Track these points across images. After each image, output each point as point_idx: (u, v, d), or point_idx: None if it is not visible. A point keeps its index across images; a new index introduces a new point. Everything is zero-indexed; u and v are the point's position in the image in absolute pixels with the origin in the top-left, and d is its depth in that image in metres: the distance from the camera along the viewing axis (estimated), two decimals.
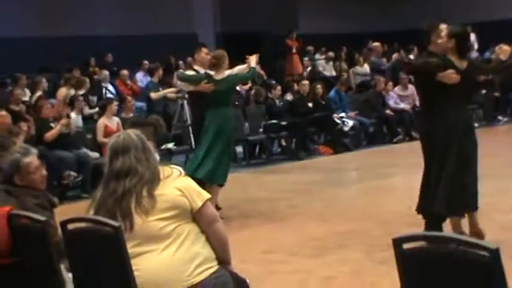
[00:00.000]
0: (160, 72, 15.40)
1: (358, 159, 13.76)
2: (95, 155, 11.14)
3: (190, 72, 9.13)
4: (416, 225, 7.28)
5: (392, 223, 7.66)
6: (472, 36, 22.98)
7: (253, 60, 9.01)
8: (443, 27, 6.74)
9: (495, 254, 2.84)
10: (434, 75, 6.33)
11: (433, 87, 6.40)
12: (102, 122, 11.36)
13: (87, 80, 14.62)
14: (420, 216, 6.74)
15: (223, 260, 3.77)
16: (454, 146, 6.41)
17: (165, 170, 3.74)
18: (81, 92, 13.78)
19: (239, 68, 9.14)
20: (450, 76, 6.34)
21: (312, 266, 6.45)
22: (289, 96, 15.18)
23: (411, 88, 16.37)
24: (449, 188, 6.38)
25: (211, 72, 8.77)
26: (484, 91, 18.05)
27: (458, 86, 6.38)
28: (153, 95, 14.50)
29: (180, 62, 18.27)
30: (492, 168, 10.84)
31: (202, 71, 8.97)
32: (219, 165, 8.63)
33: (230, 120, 8.85)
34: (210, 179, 8.51)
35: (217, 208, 8.34)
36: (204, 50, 9.31)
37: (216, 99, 8.68)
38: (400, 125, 15.68)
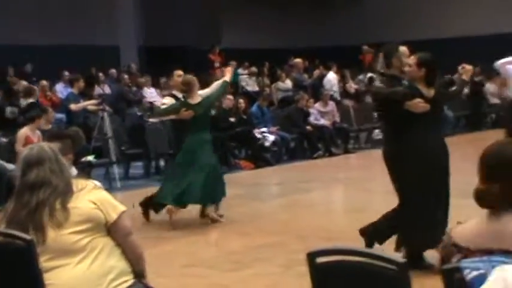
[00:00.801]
0: (81, 83, 15.20)
1: (278, 174, 13.88)
2: (11, 166, 10.90)
3: (164, 104, 9.28)
4: (333, 239, 7.41)
5: (311, 237, 7.75)
6: None
7: (228, 72, 9.39)
8: (403, 49, 6.67)
9: (403, 267, 2.92)
10: (402, 104, 6.21)
11: (402, 115, 6.25)
12: (24, 132, 11.11)
13: None
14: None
15: (138, 273, 3.75)
16: (439, 173, 6.28)
17: (79, 183, 3.70)
18: None
19: (212, 87, 9.30)
20: (418, 105, 6.20)
21: (230, 280, 6.46)
22: (212, 111, 15.18)
23: (331, 104, 16.65)
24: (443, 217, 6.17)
25: (187, 99, 8.93)
26: None
27: (428, 114, 6.24)
28: (73, 107, 14.29)
29: (100, 74, 18.10)
30: None
31: (180, 95, 9.13)
32: (212, 184, 8.78)
33: (209, 142, 9.05)
34: (209, 199, 8.87)
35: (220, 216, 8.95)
36: (177, 73, 9.45)
37: (195, 123, 8.82)
38: (321, 140, 15.89)
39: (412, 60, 6.47)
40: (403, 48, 6.71)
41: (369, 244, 6.56)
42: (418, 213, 6.21)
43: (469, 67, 6.79)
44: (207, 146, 8.91)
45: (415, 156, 6.25)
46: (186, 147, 8.85)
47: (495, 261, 2.56)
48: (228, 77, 9.30)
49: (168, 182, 9.00)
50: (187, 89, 8.94)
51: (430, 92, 6.37)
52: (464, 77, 6.75)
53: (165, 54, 21.56)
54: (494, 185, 2.72)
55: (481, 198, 2.74)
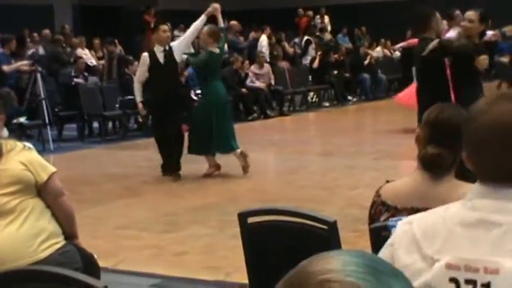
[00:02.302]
0: (13, 44, 14.83)
1: None
2: None
3: (197, 57, 9.88)
4: (267, 201, 7.50)
5: (245, 199, 7.81)
6: (326, 19, 23.67)
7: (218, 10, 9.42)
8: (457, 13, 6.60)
9: (333, 226, 2.99)
10: (471, 58, 6.12)
11: (463, 72, 6.17)
12: None
13: None
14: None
15: (70, 234, 3.74)
16: None
17: (8, 144, 3.63)
18: None
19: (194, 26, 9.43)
20: (485, 61, 6.14)
21: (164, 241, 6.49)
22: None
23: (267, 67, 16.68)
24: None
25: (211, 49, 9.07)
26: (335, 72, 18.68)
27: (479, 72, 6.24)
28: (6, 68, 13.98)
29: (35, 34, 17.71)
30: (340, 147, 11.27)
31: (160, 49, 9.10)
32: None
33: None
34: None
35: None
36: (163, 27, 9.36)
37: (216, 71, 9.30)
38: (256, 103, 15.93)
39: (473, 15, 6.38)
40: (438, 15, 6.82)
41: None
42: None
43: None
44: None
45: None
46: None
47: None
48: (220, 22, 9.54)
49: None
50: (214, 39, 9.09)
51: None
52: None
53: (99, 14, 21.21)
54: (445, 150, 2.74)
55: (435, 162, 2.76)
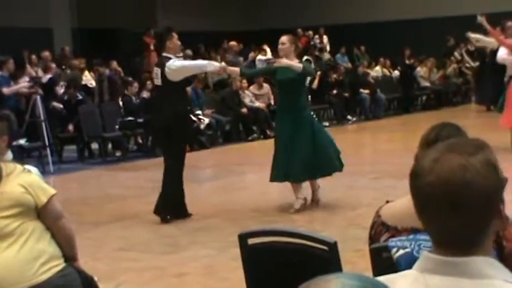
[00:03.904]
0: (10, 65, 14.84)
1: (213, 156, 13.90)
2: None
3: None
4: (267, 222, 7.49)
5: (245, 220, 7.80)
6: (325, 39, 23.75)
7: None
8: None
9: (333, 247, 2.98)
10: None
11: None
12: None
13: None
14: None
15: (70, 257, 3.73)
16: None
17: (7, 167, 3.64)
18: None
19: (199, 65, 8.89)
20: None
21: (165, 262, 6.47)
22: (145, 94, 15.11)
23: (266, 87, 16.72)
24: None
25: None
26: (334, 91, 18.72)
27: None
28: (6, 90, 14.01)
29: (33, 57, 17.75)
30: None
31: (174, 58, 8.22)
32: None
33: None
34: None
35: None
36: (175, 35, 8.44)
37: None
38: (256, 123, 15.96)
39: None
40: None
41: None
42: None
43: None
44: None
45: None
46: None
47: (421, 239, 2.62)
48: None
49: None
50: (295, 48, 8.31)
51: None
52: None
53: (99, 36, 21.29)
54: None
55: None
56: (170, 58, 8.17)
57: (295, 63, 7.99)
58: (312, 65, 9.40)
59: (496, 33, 12.67)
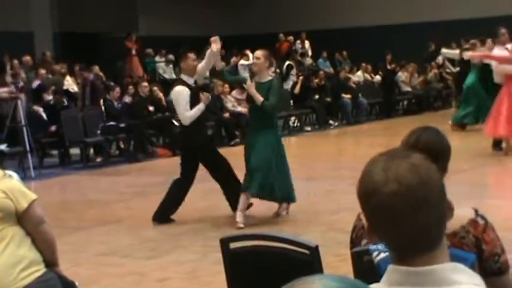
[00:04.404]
0: None
1: None
2: None
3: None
4: (250, 226, 7.49)
5: (228, 225, 7.80)
6: (307, 44, 23.82)
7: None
8: None
9: (314, 251, 3.00)
10: None
11: None
12: None
13: None
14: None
15: (50, 262, 3.71)
16: None
17: None
18: None
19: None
20: None
21: (147, 267, 6.46)
22: (127, 99, 15.07)
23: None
24: None
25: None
26: (316, 96, 18.77)
27: None
28: None
29: (15, 61, 17.66)
30: (322, 171, 11.29)
31: (191, 80, 8.20)
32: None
33: None
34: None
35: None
36: (191, 56, 8.29)
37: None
38: (238, 128, 15.96)
39: None
40: None
41: None
42: None
43: None
44: None
45: None
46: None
47: None
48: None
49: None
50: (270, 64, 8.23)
51: None
52: None
53: (80, 40, 21.21)
54: None
55: None
56: (185, 83, 8.24)
57: (258, 98, 7.78)
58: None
59: (484, 55, 12.98)
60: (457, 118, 15.67)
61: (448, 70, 21.91)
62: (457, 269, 1.57)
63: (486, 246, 2.68)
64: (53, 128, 13.47)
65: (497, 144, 11.69)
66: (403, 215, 1.52)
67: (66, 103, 14.44)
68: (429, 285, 1.53)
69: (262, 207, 8.60)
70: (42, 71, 16.20)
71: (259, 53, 8.18)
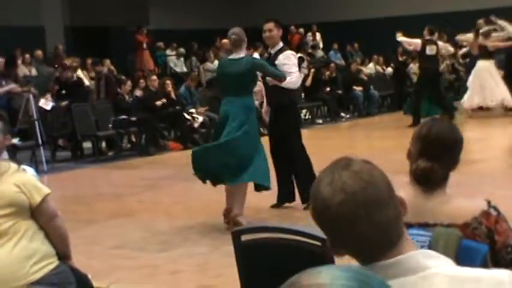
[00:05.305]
0: (1, 64, 14.80)
1: None
2: None
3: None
4: (262, 218, 7.49)
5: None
6: (318, 36, 23.75)
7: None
8: None
9: (326, 243, 2.99)
10: None
11: None
12: None
13: None
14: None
15: (63, 255, 3.73)
16: None
17: (1, 166, 3.63)
18: None
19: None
20: None
21: (159, 260, 6.47)
22: (138, 92, 15.09)
23: (259, 85, 16.67)
24: None
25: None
26: (328, 89, 18.74)
27: None
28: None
29: (27, 56, 17.72)
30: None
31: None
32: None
33: None
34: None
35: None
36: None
37: None
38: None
39: None
40: None
41: None
42: None
43: None
44: None
45: None
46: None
47: (413, 234, 2.62)
48: None
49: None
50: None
51: None
52: None
53: (91, 34, 21.25)
54: (437, 164, 2.74)
55: (427, 176, 2.75)
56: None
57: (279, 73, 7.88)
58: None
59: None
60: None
61: (461, 61, 21.78)
62: (429, 255, 1.63)
63: (499, 237, 2.67)
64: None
65: None
66: (359, 218, 1.58)
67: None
68: (405, 275, 1.57)
69: (274, 199, 8.60)
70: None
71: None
